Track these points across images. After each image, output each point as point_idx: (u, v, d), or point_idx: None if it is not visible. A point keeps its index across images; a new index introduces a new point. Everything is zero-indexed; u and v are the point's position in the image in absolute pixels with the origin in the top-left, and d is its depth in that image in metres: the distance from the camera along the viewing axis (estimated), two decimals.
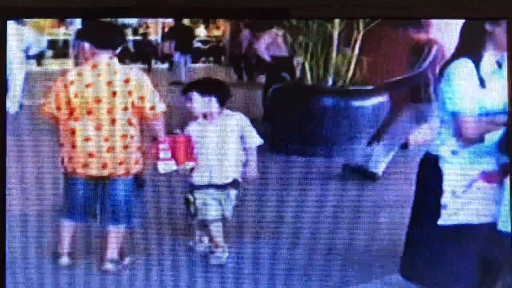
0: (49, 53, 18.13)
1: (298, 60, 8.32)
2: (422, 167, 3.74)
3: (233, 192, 4.60)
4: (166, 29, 15.93)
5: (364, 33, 7.83)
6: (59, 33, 15.41)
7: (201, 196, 4.54)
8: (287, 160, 7.27)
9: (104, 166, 4.27)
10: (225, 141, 4.53)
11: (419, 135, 6.78)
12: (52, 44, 18.24)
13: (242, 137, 4.55)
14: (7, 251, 3.65)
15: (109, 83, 4.21)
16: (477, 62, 3.53)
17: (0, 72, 3.72)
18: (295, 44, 8.28)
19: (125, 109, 4.22)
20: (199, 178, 4.54)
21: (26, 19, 11.31)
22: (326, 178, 6.78)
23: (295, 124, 7.78)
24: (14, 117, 10.18)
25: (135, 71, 4.33)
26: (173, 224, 5.12)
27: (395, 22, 6.83)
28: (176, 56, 13.89)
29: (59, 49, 16.18)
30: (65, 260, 4.47)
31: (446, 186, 3.58)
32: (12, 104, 10.28)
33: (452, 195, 3.58)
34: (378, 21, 7.41)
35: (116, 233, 4.43)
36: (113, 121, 4.22)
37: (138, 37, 14.17)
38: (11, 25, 11.13)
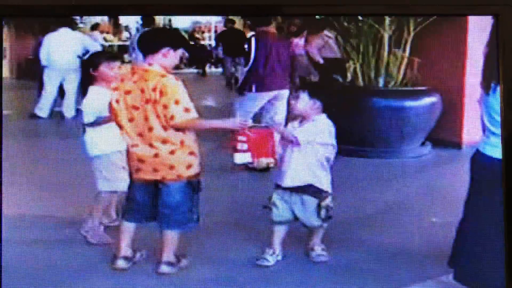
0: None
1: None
2: (485, 172, 3.74)
3: (310, 199, 4.49)
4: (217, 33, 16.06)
5: (415, 34, 7.79)
6: (115, 38, 15.59)
7: (274, 196, 4.56)
8: (342, 161, 7.27)
9: (155, 170, 4.32)
10: (306, 145, 4.45)
11: (472, 136, 6.72)
12: (107, 49, 18.52)
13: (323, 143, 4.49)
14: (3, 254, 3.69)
15: (142, 90, 4.24)
16: None
17: None
18: (346, 46, 8.27)
19: (158, 116, 4.22)
20: (276, 177, 4.56)
21: (80, 26, 11.52)
22: (380, 179, 6.77)
23: (349, 125, 7.77)
24: (71, 122, 10.37)
25: (166, 79, 4.25)
26: (231, 226, 5.20)
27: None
28: (228, 60, 13.98)
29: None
30: (120, 263, 4.50)
31: None
32: (69, 109, 10.45)
33: None
34: (429, 21, 7.37)
35: (171, 237, 4.44)
36: (150, 129, 4.25)
37: (192, 42, 14.26)
38: (66, 32, 11.32)
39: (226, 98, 9.94)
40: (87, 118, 4.76)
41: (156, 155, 4.28)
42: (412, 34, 7.81)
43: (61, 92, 10.56)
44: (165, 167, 4.29)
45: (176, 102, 4.21)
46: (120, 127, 4.34)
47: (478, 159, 3.76)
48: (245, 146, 4.34)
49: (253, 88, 7.14)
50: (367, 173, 7.01)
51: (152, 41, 4.40)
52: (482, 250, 3.73)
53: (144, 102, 4.22)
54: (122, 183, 4.70)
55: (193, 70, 13.63)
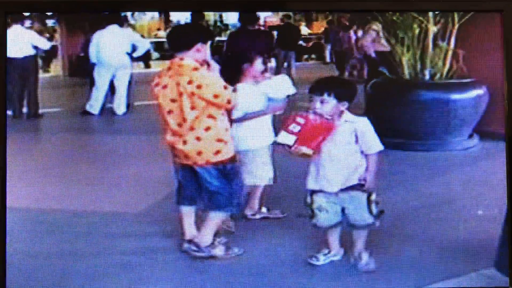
0: (156, 55, 18.59)
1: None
2: None
3: (358, 194, 4.32)
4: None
5: (459, 26, 7.75)
6: (164, 35, 15.72)
7: (318, 200, 4.41)
8: (389, 154, 7.27)
9: (186, 156, 4.49)
10: (340, 147, 4.27)
11: None
12: (158, 46, 18.71)
13: (361, 143, 4.27)
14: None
15: (177, 84, 4.38)
16: None
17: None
18: (391, 39, 8.26)
19: (192, 108, 4.37)
20: (311, 181, 4.40)
21: (130, 22, 11.64)
22: (427, 172, 6.76)
23: (396, 118, 7.77)
24: (121, 118, 10.53)
25: (199, 72, 4.41)
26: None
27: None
28: (282, 53, 14.04)
29: (165, 51, 16.53)
30: (185, 246, 4.66)
31: None
32: (119, 105, 10.61)
33: None
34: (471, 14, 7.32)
35: (210, 218, 4.62)
36: (184, 120, 4.40)
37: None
38: (115, 29, 11.51)
39: None
40: (236, 113, 4.88)
41: (184, 143, 4.45)
42: (456, 26, 7.77)
43: (112, 89, 10.72)
44: (194, 153, 4.46)
45: (225, 88, 4.42)
46: (164, 120, 4.52)
47: None
48: (297, 129, 4.22)
49: None
50: (413, 166, 7.01)
51: (184, 37, 4.53)
52: None
53: (179, 95, 4.37)
54: (265, 177, 5.15)
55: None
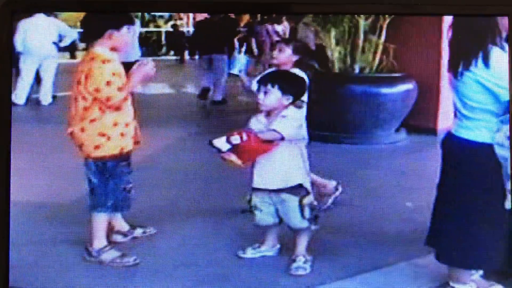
0: (82, 45, 18.30)
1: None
2: (460, 154, 3.86)
3: (289, 198, 4.34)
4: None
5: (390, 21, 7.84)
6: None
7: (254, 198, 4.42)
8: (317, 147, 7.30)
9: (78, 148, 4.42)
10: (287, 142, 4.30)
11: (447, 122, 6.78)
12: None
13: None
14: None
15: (80, 71, 4.29)
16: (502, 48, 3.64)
17: (6, 64, 3.76)
18: (321, 32, 8.30)
19: (83, 98, 4.28)
20: (254, 180, 4.39)
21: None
22: (355, 165, 6.81)
23: (324, 111, 7.81)
24: (47, 108, 10.33)
25: (95, 62, 4.28)
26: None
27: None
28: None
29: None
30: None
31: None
32: (45, 95, 10.40)
33: None
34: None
35: (93, 219, 4.47)
36: (76, 109, 4.33)
37: (170, 28, 14.21)
38: (41, 18, 11.29)
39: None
40: None
41: (71, 133, 4.39)
42: (387, 20, 7.85)
43: (37, 79, 10.52)
44: (78, 144, 4.38)
45: (108, 83, 4.25)
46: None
47: (451, 141, 3.86)
48: (237, 141, 4.21)
49: None
50: (342, 159, 7.05)
51: (94, 25, 4.38)
52: (460, 230, 3.82)
53: (77, 83, 4.30)
54: None
55: (171, 57, 13.59)
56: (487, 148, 3.70)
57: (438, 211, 4.01)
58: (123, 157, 4.43)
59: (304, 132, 4.38)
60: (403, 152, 7.43)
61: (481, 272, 4.00)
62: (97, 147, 4.32)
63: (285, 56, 4.88)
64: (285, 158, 4.31)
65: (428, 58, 6.47)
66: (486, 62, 3.65)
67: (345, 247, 4.65)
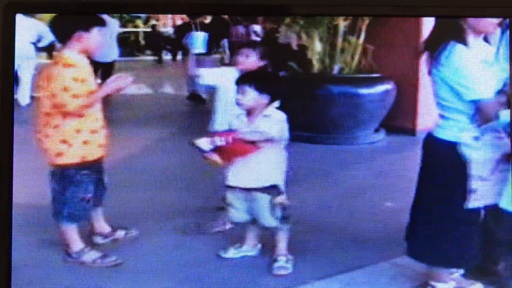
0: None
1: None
2: (434, 153, 3.86)
3: (260, 196, 4.32)
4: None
5: (369, 21, 7.89)
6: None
7: (228, 196, 4.43)
8: (296, 148, 7.32)
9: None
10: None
11: (426, 123, 6.82)
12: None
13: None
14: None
15: (44, 75, 4.20)
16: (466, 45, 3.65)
17: (8, 66, 3.74)
18: (301, 33, 8.33)
19: (45, 103, 4.17)
20: (228, 178, 4.38)
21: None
22: (334, 165, 6.84)
23: (304, 112, 7.83)
24: (25, 109, 10.28)
25: (57, 66, 4.18)
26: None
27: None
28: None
29: None
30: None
31: (474, 171, 3.67)
32: (24, 96, 10.35)
33: (480, 179, 3.67)
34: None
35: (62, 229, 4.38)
36: (40, 113, 4.21)
37: (148, 29, 14.18)
38: (20, 18, 11.22)
39: (182, 86, 9.92)
40: None
41: (39, 140, 4.24)
42: (366, 21, 7.90)
43: (15, 79, 10.47)
44: (43, 151, 4.24)
45: (64, 89, 4.11)
46: None
47: (429, 141, 3.88)
48: (220, 143, 4.21)
49: None
50: (321, 159, 7.07)
51: (63, 26, 4.26)
52: (434, 228, 3.85)
53: (39, 88, 4.21)
54: None
55: (148, 57, 13.57)
56: (457, 148, 3.71)
57: (415, 210, 4.03)
58: (85, 166, 4.27)
59: (286, 133, 4.38)
60: (382, 152, 7.48)
61: (461, 271, 4.02)
62: (59, 154, 4.20)
63: (251, 62, 4.75)
64: (263, 159, 4.29)
65: (407, 59, 6.50)
66: (447, 59, 3.64)
67: (326, 247, 4.66)
